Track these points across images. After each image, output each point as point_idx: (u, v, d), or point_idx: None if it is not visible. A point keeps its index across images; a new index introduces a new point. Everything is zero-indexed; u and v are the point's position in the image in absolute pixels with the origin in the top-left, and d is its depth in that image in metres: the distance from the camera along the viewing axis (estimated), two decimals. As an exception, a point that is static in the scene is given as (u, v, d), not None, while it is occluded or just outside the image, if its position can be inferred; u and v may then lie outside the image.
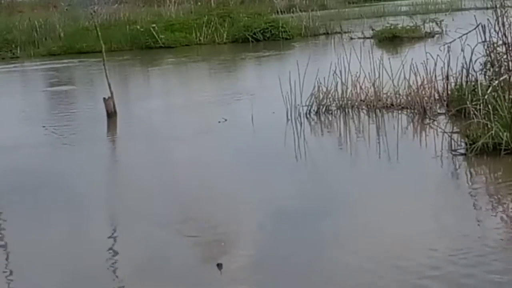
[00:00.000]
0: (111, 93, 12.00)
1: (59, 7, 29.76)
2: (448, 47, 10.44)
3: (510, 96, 8.55)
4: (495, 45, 9.70)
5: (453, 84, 10.53)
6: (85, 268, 5.75)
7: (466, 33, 10.41)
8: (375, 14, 29.14)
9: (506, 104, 8.38)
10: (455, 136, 8.69)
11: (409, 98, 10.70)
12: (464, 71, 10.32)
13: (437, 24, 21.87)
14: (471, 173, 7.78)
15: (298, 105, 10.76)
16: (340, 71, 10.94)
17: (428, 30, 21.73)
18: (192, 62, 20.66)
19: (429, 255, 5.43)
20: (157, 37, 24.13)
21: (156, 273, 5.52)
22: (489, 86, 9.11)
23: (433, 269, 5.21)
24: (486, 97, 8.74)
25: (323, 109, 11.03)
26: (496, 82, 9.05)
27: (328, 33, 24.90)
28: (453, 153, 8.22)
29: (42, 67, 21.94)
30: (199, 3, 29.81)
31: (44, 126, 11.86)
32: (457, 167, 7.89)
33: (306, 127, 10.37)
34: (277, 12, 28.69)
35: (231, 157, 9.18)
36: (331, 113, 10.97)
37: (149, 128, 11.31)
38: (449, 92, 10.56)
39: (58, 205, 7.44)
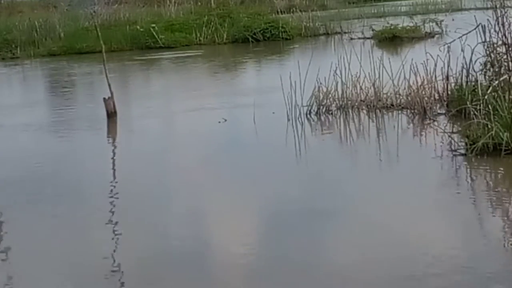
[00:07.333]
0: (111, 93, 12.00)
1: (59, 7, 29.73)
2: (448, 47, 10.44)
3: (510, 96, 8.55)
4: (495, 45, 9.70)
5: (453, 84, 10.53)
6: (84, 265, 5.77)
7: (466, 33, 10.41)
8: (375, 14, 29.14)
9: (506, 104, 8.38)
10: (455, 136, 8.69)
11: (409, 98, 10.69)
12: (464, 71, 10.32)
13: (437, 24, 21.87)
14: (471, 174, 7.78)
15: (298, 105, 10.75)
16: (340, 71, 10.94)
17: (428, 30, 21.74)
18: (192, 62, 20.66)
19: (429, 255, 5.43)
20: (157, 37, 24.12)
21: (157, 271, 5.53)
22: (489, 86, 9.10)
23: (432, 268, 5.21)
24: (486, 97, 8.73)
25: (323, 109, 11.02)
26: (496, 82, 9.04)
27: (328, 33, 24.88)
28: (453, 153, 8.21)
29: (42, 67, 21.94)
30: (199, 3, 29.79)
31: (43, 126, 11.89)
32: (457, 167, 7.88)
33: (307, 127, 10.37)
34: (277, 12, 28.66)
35: (230, 157, 9.18)
36: (331, 113, 10.96)
37: (149, 128, 11.31)
38: (449, 92, 10.55)
39: (57, 204, 7.45)
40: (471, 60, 10.18)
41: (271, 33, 24.43)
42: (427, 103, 10.44)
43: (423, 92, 10.58)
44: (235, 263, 5.63)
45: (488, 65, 9.91)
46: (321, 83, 10.93)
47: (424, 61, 10.60)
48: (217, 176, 8.26)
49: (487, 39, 9.79)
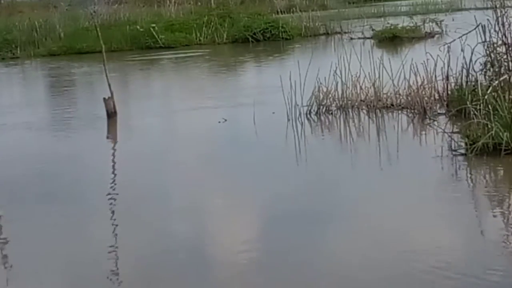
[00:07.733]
0: (111, 93, 12.00)
1: (59, 7, 29.72)
2: (448, 47, 10.44)
3: (510, 96, 8.55)
4: (495, 45, 9.70)
5: (453, 84, 10.53)
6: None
7: (466, 33, 10.41)
8: (375, 14, 29.14)
9: (506, 104, 8.38)
10: (455, 136, 8.69)
11: (409, 98, 10.70)
12: (464, 71, 10.33)
13: (437, 24, 21.86)
14: (471, 173, 7.79)
15: (298, 105, 10.76)
16: (340, 71, 10.94)
17: (428, 30, 21.74)
18: (192, 62, 20.67)
19: (429, 254, 5.43)
20: (157, 37, 24.13)
21: (157, 270, 5.53)
22: (489, 86, 9.11)
23: (432, 267, 5.22)
24: (486, 97, 8.74)
25: (323, 109, 11.02)
26: (496, 82, 9.05)
27: (328, 33, 24.89)
28: (453, 153, 8.22)
29: (42, 67, 21.94)
30: (199, 3, 29.80)
31: (44, 126, 11.90)
32: (457, 167, 7.89)
33: (307, 127, 10.37)
34: (277, 12, 28.68)
35: (230, 157, 9.18)
36: (331, 113, 10.97)
37: (149, 128, 11.32)
38: (449, 92, 10.56)
39: (57, 204, 7.45)
40: (471, 60, 10.18)
41: (271, 33, 24.43)
42: (427, 103, 10.45)
43: (423, 92, 10.58)
44: (235, 263, 5.63)
45: (488, 65, 9.91)
46: (321, 83, 10.93)
47: (424, 61, 10.60)
48: (217, 176, 8.26)
49: (487, 39, 9.80)
